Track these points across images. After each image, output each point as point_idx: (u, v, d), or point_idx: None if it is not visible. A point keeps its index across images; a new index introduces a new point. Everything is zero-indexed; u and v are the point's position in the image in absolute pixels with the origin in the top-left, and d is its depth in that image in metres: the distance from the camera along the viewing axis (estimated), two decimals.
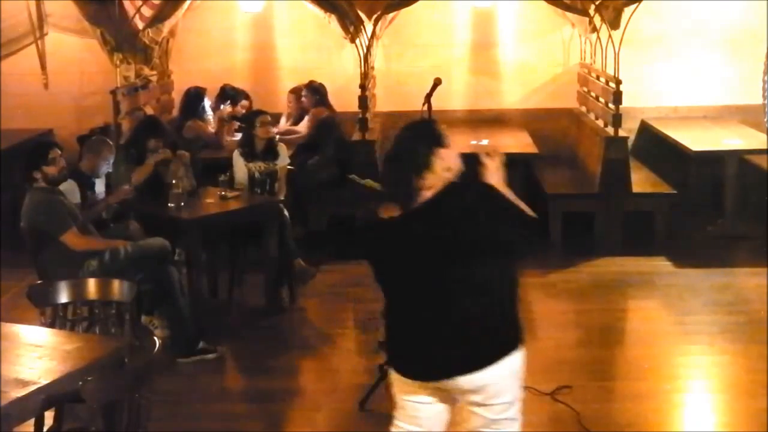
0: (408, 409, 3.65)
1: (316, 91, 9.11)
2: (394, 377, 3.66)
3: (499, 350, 3.46)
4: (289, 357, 6.23)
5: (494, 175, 3.56)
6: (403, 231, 3.50)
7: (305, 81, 9.35)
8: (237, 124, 8.88)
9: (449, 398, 3.61)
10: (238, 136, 8.36)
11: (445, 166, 3.47)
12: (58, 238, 5.76)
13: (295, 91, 9.37)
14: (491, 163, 3.56)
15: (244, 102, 9.23)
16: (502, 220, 3.43)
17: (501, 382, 3.48)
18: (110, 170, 6.81)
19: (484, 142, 8.78)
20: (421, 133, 3.59)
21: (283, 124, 9.30)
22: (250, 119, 7.64)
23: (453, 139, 3.58)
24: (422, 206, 3.46)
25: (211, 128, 8.96)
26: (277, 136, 8.84)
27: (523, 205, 3.54)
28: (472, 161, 3.58)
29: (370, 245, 3.67)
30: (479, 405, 3.50)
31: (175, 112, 9.53)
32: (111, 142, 6.84)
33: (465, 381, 3.45)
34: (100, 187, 6.69)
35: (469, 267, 3.42)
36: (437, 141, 3.50)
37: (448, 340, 3.45)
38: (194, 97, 9.06)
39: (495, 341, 3.47)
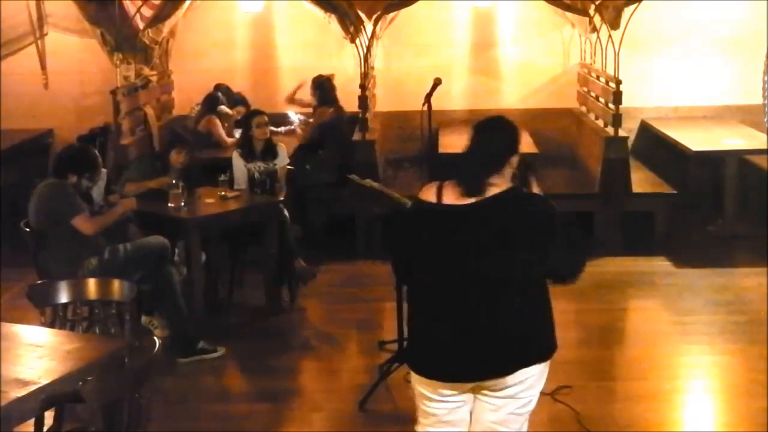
0: (440, 414, 3.59)
1: (320, 87, 8.94)
2: (422, 385, 3.56)
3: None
4: (289, 357, 6.23)
5: (536, 186, 3.73)
6: (467, 218, 3.47)
7: (305, 81, 9.34)
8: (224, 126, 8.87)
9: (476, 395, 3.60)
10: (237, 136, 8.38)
11: (513, 170, 3.58)
12: (69, 221, 5.73)
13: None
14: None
15: (240, 108, 9.18)
16: (554, 241, 3.56)
17: (539, 375, 3.62)
18: (103, 181, 6.71)
19: None
20: (508, 134, 3.61)
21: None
22: (247, 120, 7.65)
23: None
24: (490, 200, 3.46)
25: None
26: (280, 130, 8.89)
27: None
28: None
29: (421, 229, 3.55)
30: (510, 397, 3.53)
31: (175, 112, 9.53)
32: (98, 155, 6.42)
33: (518, 374, 3.51)
34: (97, 197, 6.64)
35: (517, 268, 3.53)
36: (517, 146, 3.60)
37: (505, 336, 3.51)
38: (215, 96, 8.98)
39: (542, 335, 3.68)
